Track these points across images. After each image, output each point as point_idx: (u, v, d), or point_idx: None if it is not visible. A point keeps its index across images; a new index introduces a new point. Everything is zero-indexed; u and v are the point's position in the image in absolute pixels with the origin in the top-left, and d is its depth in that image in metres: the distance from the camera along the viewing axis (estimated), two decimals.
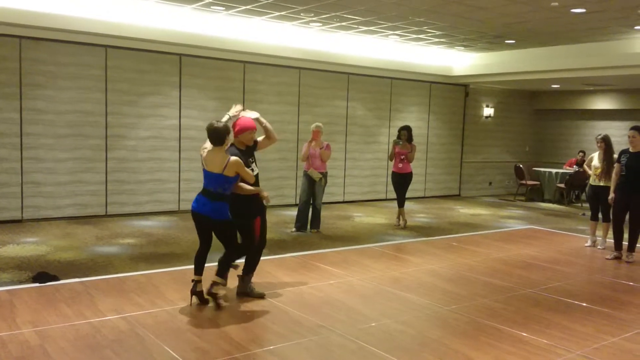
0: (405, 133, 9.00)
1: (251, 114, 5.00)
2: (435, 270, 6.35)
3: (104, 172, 9.03)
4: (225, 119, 4.85)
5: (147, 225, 8.58)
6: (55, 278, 5.43)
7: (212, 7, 8.70)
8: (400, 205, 9.22)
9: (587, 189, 8.27)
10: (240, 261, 5.11)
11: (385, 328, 4.46)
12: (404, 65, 11.89)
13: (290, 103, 10.87)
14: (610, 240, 7.62)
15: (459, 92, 13.61)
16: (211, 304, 4.78)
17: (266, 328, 4.40)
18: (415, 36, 10.56)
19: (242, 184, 4.72)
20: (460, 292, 5.51)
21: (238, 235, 4.86)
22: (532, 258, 7.16)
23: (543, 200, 13.52)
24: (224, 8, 8.74)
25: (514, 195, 14.17)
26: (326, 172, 8.40)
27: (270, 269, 6.06)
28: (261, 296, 5.06)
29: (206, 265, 4.84)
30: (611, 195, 7.34)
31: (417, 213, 10.78)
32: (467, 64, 12.64)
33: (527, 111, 15.31)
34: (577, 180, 12.53)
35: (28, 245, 6.94)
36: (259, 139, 5.14)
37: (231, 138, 4.81)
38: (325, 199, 9.01)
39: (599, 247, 7.88)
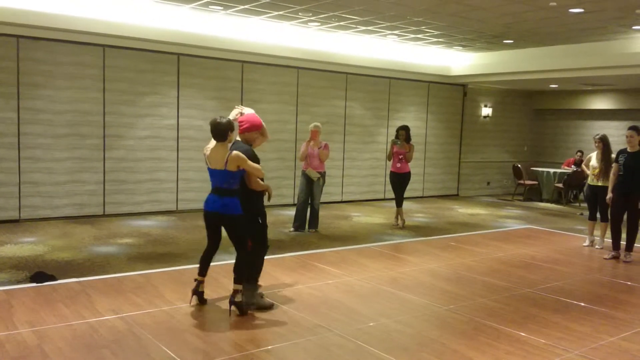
0: (404, 133, 9.00)
1: (247, 110, 4.99)
2: (433, 270, 6.35)
3: (102, 171, 9.02)
4: (232, 116, 4.86)
5: (145, 225, 8.57)
6: (53, 278, 5.41)
7: (210, 6, 8.69)
8: (399, 205, 9.22)
9: (585, 188, 8.27)
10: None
11: (383, 328, 4.46)
12: (403, 65, 11.89)
13: (288, 103, 10.86)
14: (608, 240, 7.64)
15: (458, 92, 13.61)
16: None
17: (264, 328, 4.40)
18: (413, 36, 10.56)
19: (254, 178, 4.66)
20: (458, 292, 5.52)
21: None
22: (530, 258, 7.16)
23: (541, 200, 13.53)
24: (222, 7, 8.73)
25: (512, 195, 14.18)
26: (324, 172, 8.40)
27: (269, 268, 6.05)
28: (270, 306, 4.84)
29: (211, 264, 4.82)
30: (609, 195, 7.35)
31: (415, 213, 10.78)
32: (465, 64, 12.64)
33: (525, 111, 15.32)
34: (575, 180, 12.54)
35: (25, 245, 6.93)
36: None
37: (235, 135, 4.79)
38: (323, 198, 9.00)
39: (597, 246, 7.89)
